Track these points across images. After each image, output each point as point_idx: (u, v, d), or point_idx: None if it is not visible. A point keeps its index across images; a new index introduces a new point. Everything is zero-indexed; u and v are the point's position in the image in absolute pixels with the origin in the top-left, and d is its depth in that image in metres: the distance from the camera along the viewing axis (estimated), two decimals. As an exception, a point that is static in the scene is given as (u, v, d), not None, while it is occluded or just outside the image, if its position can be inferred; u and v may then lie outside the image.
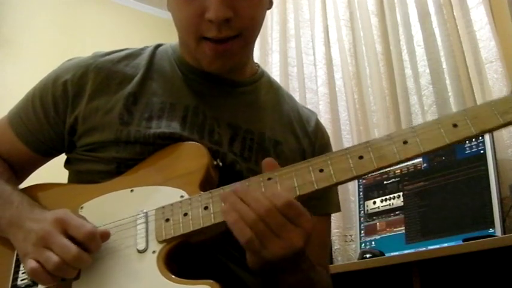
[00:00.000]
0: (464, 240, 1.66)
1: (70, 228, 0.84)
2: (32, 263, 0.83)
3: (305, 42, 2.89)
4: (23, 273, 0.92)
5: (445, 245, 1.83)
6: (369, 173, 0.81)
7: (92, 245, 0.84)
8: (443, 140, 0.79)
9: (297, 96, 2.75)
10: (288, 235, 0.78)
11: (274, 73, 2.89)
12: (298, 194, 0.82)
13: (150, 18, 3.61)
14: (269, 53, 3.03)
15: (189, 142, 0.95)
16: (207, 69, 1.00)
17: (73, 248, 0.81)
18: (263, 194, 0.80)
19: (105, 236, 0.86)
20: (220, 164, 0.95)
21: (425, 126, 0.81)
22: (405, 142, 0.80)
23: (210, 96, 1.03)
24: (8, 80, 2.88)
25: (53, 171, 1.16)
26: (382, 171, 1.94)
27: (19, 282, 0.92)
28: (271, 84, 1.14)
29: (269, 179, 0.84)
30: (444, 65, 2.23)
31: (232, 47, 0.95)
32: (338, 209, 1.12)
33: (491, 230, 1.76)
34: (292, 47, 2.93)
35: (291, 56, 2.92)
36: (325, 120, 2.58)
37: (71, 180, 1.06)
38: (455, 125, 0.79)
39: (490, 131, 0.79)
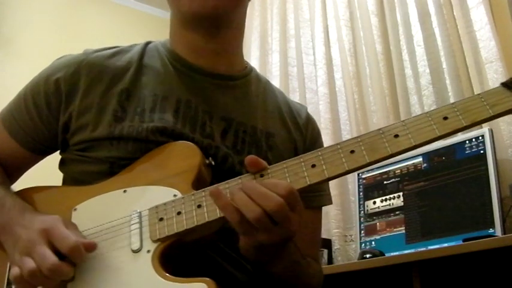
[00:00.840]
0: (464, 240, 1.66)
1: (54, 239, 0.83)
2: (15, 270, 0.83)
3: (305, 42, 2.89)
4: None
5: (445, 245, 1.83)
6: (361, 167, 0.82)
7: (76, 257, 0.83)
8: (434, 132, 0.79)
9: (297, 96, 2.75)
10: (288, 224, 0.78)
11: (274, 73, 2.89)
12: None
13: (150, 18, 3.61)
14: (269, 53, 3.04)
15: (181, 142, 0.95)
16: (188, 11, 0.98)
17: (51, 258, 0.81)
18: (266, 186, 0.78)
19: (90, 247, 0.85)
20: (213, 162, 0.95)
21: (415, 120, 0.81)
22: (396, 136, 0.80)
23: (202, 89, 1.04)
24: (7, 80, 2.88)
25: (48, 174, 1.16)
26: (374, 166, 1.93)
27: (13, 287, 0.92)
28: (260, 79, 1.15)
29: (261, 176, 0.84)
30: (444, 65, 2.23)
31: None
32: (330, 201, 1.13)
33: (491, 230, 1.75)
34: (292, 47, 2.93)
35: (291, 56, 2.92)
36: (325, 120, 2.58)
37: (66, 182, 1.06)
38: (445, 118, 0.79)
39: (480, 122, 0.79)
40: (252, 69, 1.15)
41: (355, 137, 0.83)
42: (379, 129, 0.82)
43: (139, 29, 3.53)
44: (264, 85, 1.15)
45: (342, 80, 2.65)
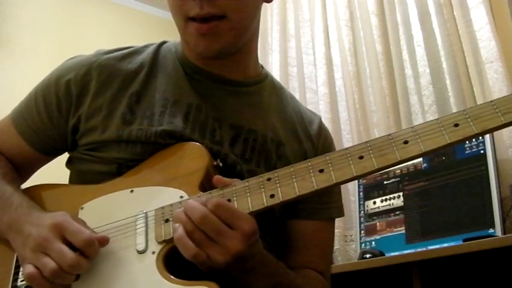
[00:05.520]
0: (464, 240, 1.66)
1: (67, 234, 0.83)
2: (29, 268, 0.83)
3: (305, 42, 2.89)
4: (22, 274, 0.92)
5: (445, 245, 1.83)
6: (370, 173, 0.81)
7: (90, 251, 0.83)
8: (444, 139, 0.77)
9: (296, 96, 2.73)
10: (224, 240, 0.78)
11: (274, 73, 2.89)
12: (298, 194, 0.81)
13: (150, 18, 3.60)
14: (269, 53, 3.03)
15: (190, 142, 0.95)
16: (194, 52, 0.99)
17: (70, 254, 0.81)
18: (199, 201, 0.80)
19: (103, 241, 0.85)
20: (221, 164, 0.94)
21: (425, 126, 0.80)
22: (406, 142, 0.79)
23: (213, 95, 1.03)
24: (8, 80, 2.88)
25: (55, 171, 1.16)
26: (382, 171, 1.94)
27: (19, 283, 0.91)
28: (275, 86, 1.13)
29: (269, 179, 0.84)
30: (444, 65, 2.24)
31: (217, 28, 0.93)
32: (341, 214, 1.10)
33: (491, 230, 1.76)
34: (292, 47, 2.92)
35: (291, 56, 2.91)
36: (325, 120, 2.56)
37: (72, 180, 1.06)
38: (456, 125, 0.78)
39: (492, 130, 0.78)
40: (267, 74, 1.12)
41: (364, 142, 0.81)
42: (389, 135, 0.81)
43: (139, 29, 3.52)
44: (278, 92, 1.12)
45: (342, 80, 2.65)
